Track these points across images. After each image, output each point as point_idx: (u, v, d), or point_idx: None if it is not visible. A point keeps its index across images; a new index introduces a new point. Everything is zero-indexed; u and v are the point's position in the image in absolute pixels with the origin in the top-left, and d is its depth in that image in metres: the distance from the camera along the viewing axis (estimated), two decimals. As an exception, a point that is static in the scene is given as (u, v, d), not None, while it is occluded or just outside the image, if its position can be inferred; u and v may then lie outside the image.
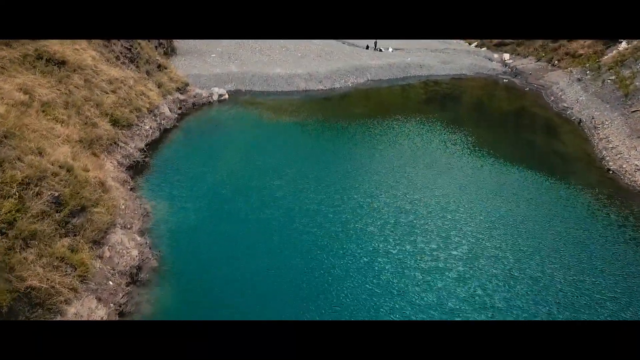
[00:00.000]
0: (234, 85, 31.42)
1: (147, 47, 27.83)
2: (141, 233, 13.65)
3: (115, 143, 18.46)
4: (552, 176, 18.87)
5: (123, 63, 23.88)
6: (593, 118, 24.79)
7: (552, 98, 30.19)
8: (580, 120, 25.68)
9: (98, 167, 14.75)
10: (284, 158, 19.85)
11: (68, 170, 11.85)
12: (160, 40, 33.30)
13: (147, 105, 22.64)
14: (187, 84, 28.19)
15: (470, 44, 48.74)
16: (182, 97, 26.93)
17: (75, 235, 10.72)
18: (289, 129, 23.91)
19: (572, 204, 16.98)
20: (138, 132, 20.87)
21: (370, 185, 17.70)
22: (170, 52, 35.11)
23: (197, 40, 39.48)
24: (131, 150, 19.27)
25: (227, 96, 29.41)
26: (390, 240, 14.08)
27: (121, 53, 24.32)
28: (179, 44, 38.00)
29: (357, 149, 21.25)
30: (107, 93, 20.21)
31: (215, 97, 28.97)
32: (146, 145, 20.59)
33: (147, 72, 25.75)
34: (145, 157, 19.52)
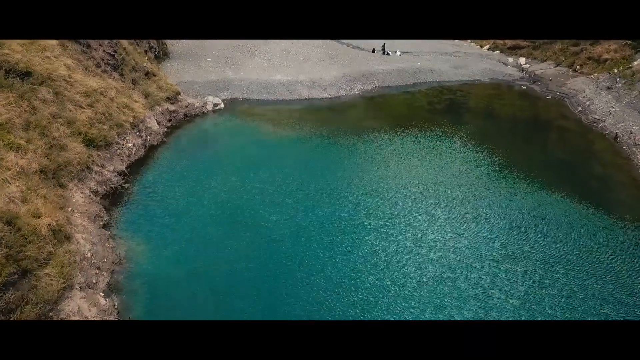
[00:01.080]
0: (231, 93, 28.80)
1: (134, 52, 25.20)
2: (109, 292, 11.02)
3: (88, 168, 15.83)
4: (598, 208, 16.14)
5: (104, 71, 21.24)
6: (632, 133, 22.14)
7: (579, 108, 27.52)
8: (616, 135, 23.01)
9: (58, 206, 12.11)
10: (283, 184, 17.21)
11: (8, 222, 9.22)
12: (151, 43, 30.72)
13: (131, 120, 20.01)
14: (178, 93, 25.55)
15: (482, 46, 46.04)
16: (172, 107, 24.31)
17: (9, 315, 8.09)
18: (290, 147, 21.25)
19: (631, 247, 14.15)
20: (118, 151, 18.24)
21: (386, 223, 14.99)
22: (162, 56, 32.49)
23: (191, 43, 36.89)
24: (108, 175, 16.63)
25: (222, 105, 26.79)
26: (415, 304, 11.38)
27: (103, 60, 21.68)
28: (172, 46, 35.42)
29: (368, 174, 18.54)
30: (82, 108, 17.58)
31: (209, 107, 26.34)
32: (127, 167, 17.97)
33: (133, 81, 23.12)
34: (125, 183, 16.89)
